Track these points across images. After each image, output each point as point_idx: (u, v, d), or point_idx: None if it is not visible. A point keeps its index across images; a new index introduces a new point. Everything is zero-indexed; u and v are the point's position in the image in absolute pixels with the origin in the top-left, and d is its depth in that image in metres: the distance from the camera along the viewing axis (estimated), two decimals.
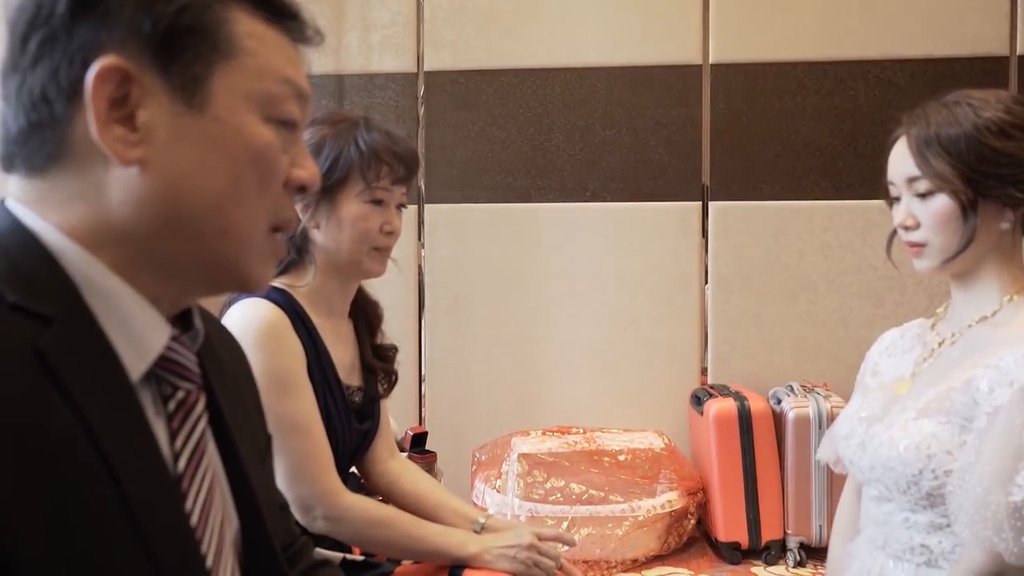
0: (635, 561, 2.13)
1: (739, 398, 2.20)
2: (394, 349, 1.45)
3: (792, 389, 2.27)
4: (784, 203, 2.45)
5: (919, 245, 1.16)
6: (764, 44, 2.43)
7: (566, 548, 1.40)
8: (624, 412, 2.49)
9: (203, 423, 0.67)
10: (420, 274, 2.55)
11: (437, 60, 2.51)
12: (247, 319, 1.20)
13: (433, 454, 1.96)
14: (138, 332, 0.61)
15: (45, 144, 0.60)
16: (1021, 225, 1.15)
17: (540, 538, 1.31)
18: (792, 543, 2.17)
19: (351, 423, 1.33)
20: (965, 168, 1.10)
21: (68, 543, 0.52)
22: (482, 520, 1.37)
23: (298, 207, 1.28)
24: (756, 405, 2.18)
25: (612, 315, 2.50)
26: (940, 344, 1.19)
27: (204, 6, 0.61)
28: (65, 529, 0.52)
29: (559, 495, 2.14)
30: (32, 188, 0.62)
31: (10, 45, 0.61)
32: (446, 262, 2.53)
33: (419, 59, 2.53)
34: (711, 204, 2.47)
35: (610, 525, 2.11)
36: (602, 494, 2.14)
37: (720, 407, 2.18)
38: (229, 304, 1.26)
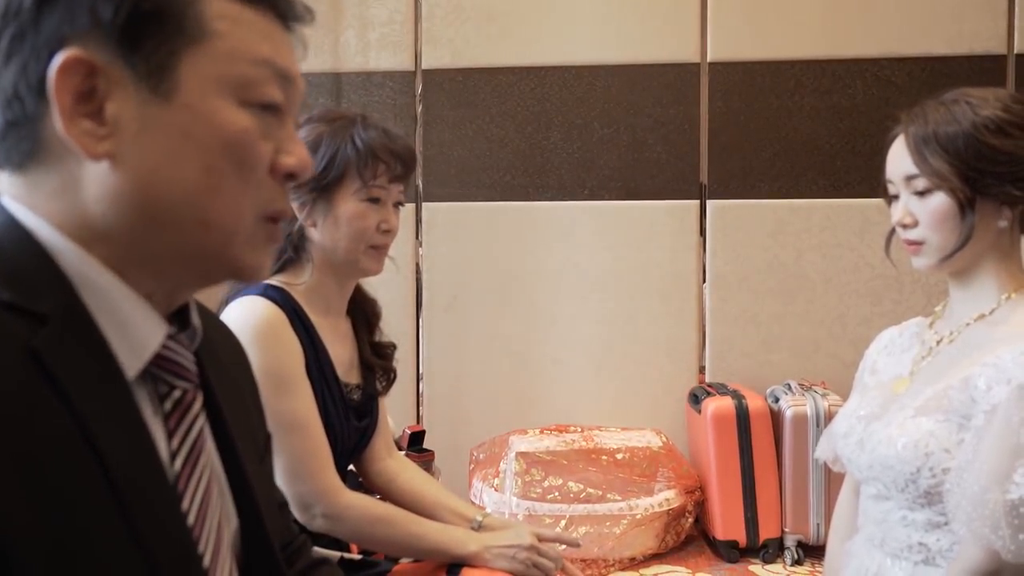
0: (633, 559, 2.14)
1: (737, 396, 2.21)
2: (392, 347, 1.44)
3: (790, 387, 2.27)
4: (782, 201, 2.45)
5: (917, 243, 1.16)
6: (762, 42, 2.43)
7: (564, 548, 1.40)
8: (622, 410, 2.49)
9: (200, 422, 0.66)
10: (418, 272, 2.55)
11: (435, 58, 2.51)
12: (245, 317, 1.20)
13: (431, 452, 1.96)
14: (134, 330, 0.60)
15: (22, 142, 0.59)
16: (1019, 223, 1.15)
17: (541, 538, 1.31)
18: (790, 541, 2.17)
19: (349, 421, 1.33)
20: (963, 166, 1.10)
21: (63, 543, 0.52)
22: (479, 519, 1.37)
23: (295, 205, 1.28)
24: (754, 403, 2.18)
25: (610, 314, 2.50)
26: (938, 342, 1.19)
27: None
28: (60, 529, 0.52)
29: (557, 493, 2.14)
30: (19, 184, 0.61)
31: None
32: (444, 260, 2.53)
33: (417, 57, 2.53)
34: (709, 202, 2.47)
35: (608, 524, 2.11)
36: (600, 492, 2.14)
37: (718, 406, 2.18)
38: (226, 302, 1.26)
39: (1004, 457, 0.99)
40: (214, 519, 0.65)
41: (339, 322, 1.37)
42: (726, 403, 2.18)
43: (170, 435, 0.63)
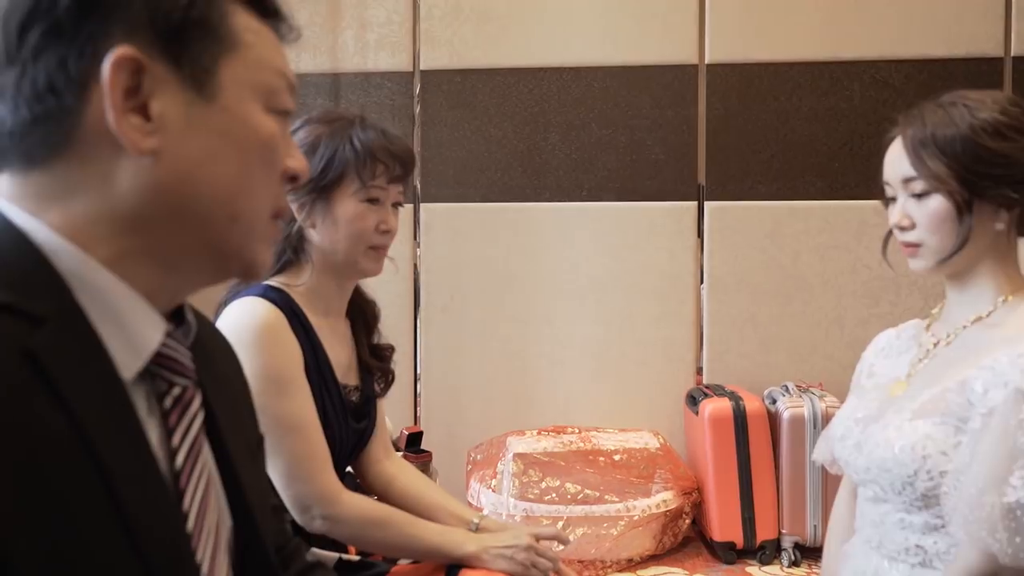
0: (630, 561, 2.14)
1: (734, 398, 2.21)
2: (391, 349, 1.44)
3: (787, 389, 2.27)
4: (779, 203, 2.45)
5: (914, 245, 1.17)
6: (760, 44, 2.43)
7: (561, 547, 1.40)
8: (619, 412, 2.49)
9: (199, 420, 0.66)
10: (416, 273, 2.55)
11: (433, 59, 2.51)
12: (244, 318, 1.20)
13: (428, 453, 1.96)
14: (133, 329, 0.61)
15: (50, 136, 0.60)
16: (1016, 226, 1.15)
17: (538, 538, 1.31)
18: (787, 543, 2.17)
19: (348, 422, 1.33)
20: (960, 169, 1.10)
21: (60, 546, 0.52)
22: (477, 521, 1.37)
23: (294, 206, 1.28)
24: (751, 405, 2.19)
25: (608, 315, 2.50)
26: (935, 345, 1.19)
27: (209, 1, 0.62)
28: (57, 532, 0.52)
29: (554, 495, 2.14)
30: (26, 184, 0.61)
31: (3, 39, 0.60)
32: (442, 261, 2.53)
33: (415, 58, 2.53)
34: (707, 204, 2.48)
35: (605, 525, 2.11)
36: (597, 494, 2.14)
37: (715, 407, 2.19)
38: (225, 303, 1.26)
39: (1001, 460, 1.00)
40: (212, 519, 0.65)
41: (338, 323, 1.37)
42: (723, 405, 2.18)
43: (170, 433, 0.63)
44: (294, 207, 1.27)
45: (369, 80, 2.53)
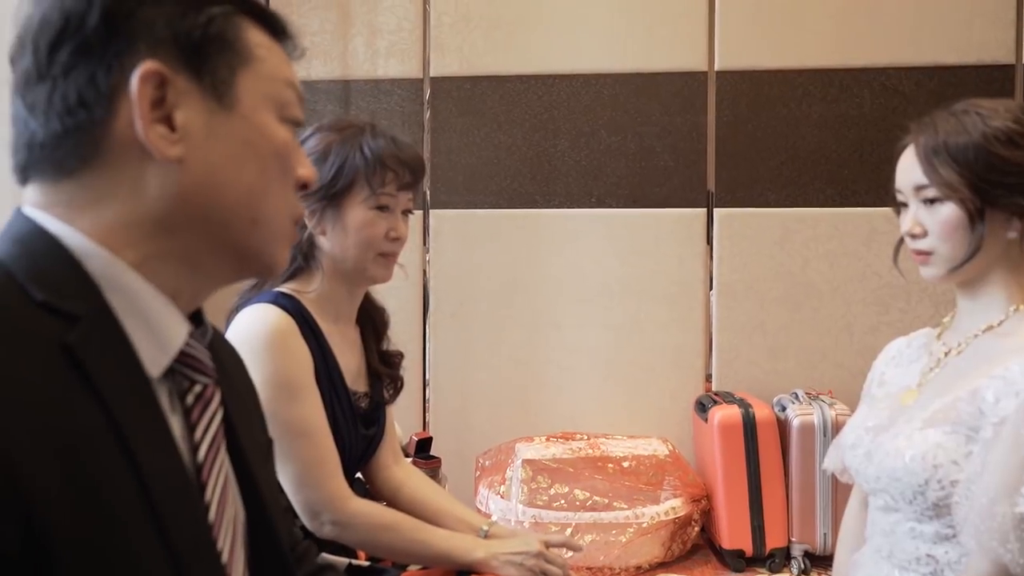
0: (639, 568, 2.13)
1: (743, 405, 2.20)
2: (400, 355, 1.45)
3: (797, 396, 2.27)
4: (789, 210, 2.45)
5: (926, 253, 1.16)
6: (769, 51, 2.43)
7: (571, 554, 1.40)
8: (628, 418, 2.48)
9: (219, 417, 0.69)
10: (425, 279, 2.55)
11: (443, 66, 2.52)
12: (255, 324, 1.21)
13: (437, 459, 1.96)
14: (159, 329, 0.64)
15: (80, 147, 0.63)
16: None
17: (548, 545, 1.31)
18: (796, 551, 2.16)
19: (357, 429, 1.34)
20: (973, 177, 1.10)
21: (94, 532, 0.55)
22: (486, 527, 1.37)
23: (304, 213, 1.28)
24: (760, 412, 2.18)
25: (616, 321, 2.50)
26: (946, 354, 1.19)
27: (225, 17, 0.66)
28: (92, 518, 0.55)
29: (563, 501, 2.14)
30: (57, 192, 0.64)
31: (33, 57, 0.64)
32: (451, 267, 2.54)
33: (425, 65, 2.54)
34: (716, 211, 2.47)
35: (614, 532, 2.11)
36: (606, 500, 2.14)
37: (724, 414, 2.18)
38: (237, 309, 1.27)
39: (1013, 470, 0.99)
40: (231, 512, 0.68)
41: (348, 330, 1.37)
42: (733, 412, 2.18)
43: (192, 428, 0.66)
44: (305, 214, 1.28)
45: (379, 87, 2.54)
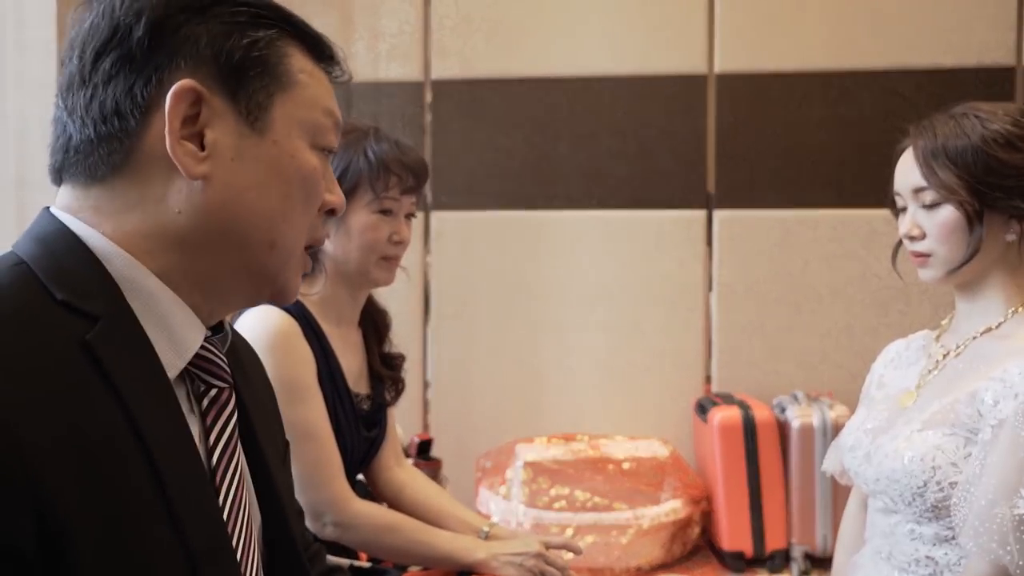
0: (639, 569, 2.14)
1: (743, 407, 2.21)
2: (402, 358, 1.46)
3: (796, 398, 2.27)
4: (789, 212, 2.45)
5: (924, 255, 1.17)
6: (769, 54, 2.44)
7: (572, 556, 1.40)
8: (628, 420, 2.49)
9: (234, 421, 0.70)
10: (426, 281, 2.56)
11: (444, 69, 2.53)
12: (259, 327, 1.22)
13: (438, 461, 1.97)
14: (176, 331, 0.65)
15: (112, 155, 0.64)
16: None
17: (547, 546, 1.32)
18: (796, 552, 2.17)
19: (359, 430, 1.34)
20: (971, 179, 1.11)
21: (111, 528, 0.55)
22: (487, 529, 1.38)
23: None
24: (760, 414, 2.18)
25: (617, 323, 2.50)
26: (945, 356, 1.20)
27: (269, 42, 0.67)
28: (109, 514, 0.55)
29: (564, 502, 2.15)
30: (86, 197, 0.65)
31: (78, 62, 0.65)
32: (452, 269, 2.54)
33: (426, 68, 2.54)
34: (716, 212, 2.48)
35: (614, 533, 2.11)
36: (607, 502, 2.15)
37: (724, 416, 2.18)
38: (240, 312, 1.27)
39: (1012, 472, 1.00)
40: (245, 515, 0.69)
41: (350, 332, 1.38)
42: (733, 413, 2.18)
43: (207, 432, 0.67)
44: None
45: (380, 90, 2.55)
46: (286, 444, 0.85)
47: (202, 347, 0.67)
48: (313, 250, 0.74)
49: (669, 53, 2.47)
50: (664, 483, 2.21)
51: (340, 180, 1.27)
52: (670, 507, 2.17)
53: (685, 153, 2.48)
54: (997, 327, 1.15)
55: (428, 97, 2.55)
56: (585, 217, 2.51)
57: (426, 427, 2.55)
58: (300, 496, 1.22)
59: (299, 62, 0.69)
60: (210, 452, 0.66)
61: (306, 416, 1.23)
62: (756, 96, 2.44)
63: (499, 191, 2.52)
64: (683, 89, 2.47)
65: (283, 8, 0.70)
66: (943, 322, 1.27)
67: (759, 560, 2.17)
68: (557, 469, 2.20)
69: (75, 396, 0.56)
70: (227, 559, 0.64)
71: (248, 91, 0.65)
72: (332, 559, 1.24)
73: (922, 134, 1.16)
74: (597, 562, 2.10)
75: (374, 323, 1.43)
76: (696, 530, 2.23)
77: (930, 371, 1.20)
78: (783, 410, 2.23)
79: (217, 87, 0.64)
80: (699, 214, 2.48)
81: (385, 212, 1.31)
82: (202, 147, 0.64)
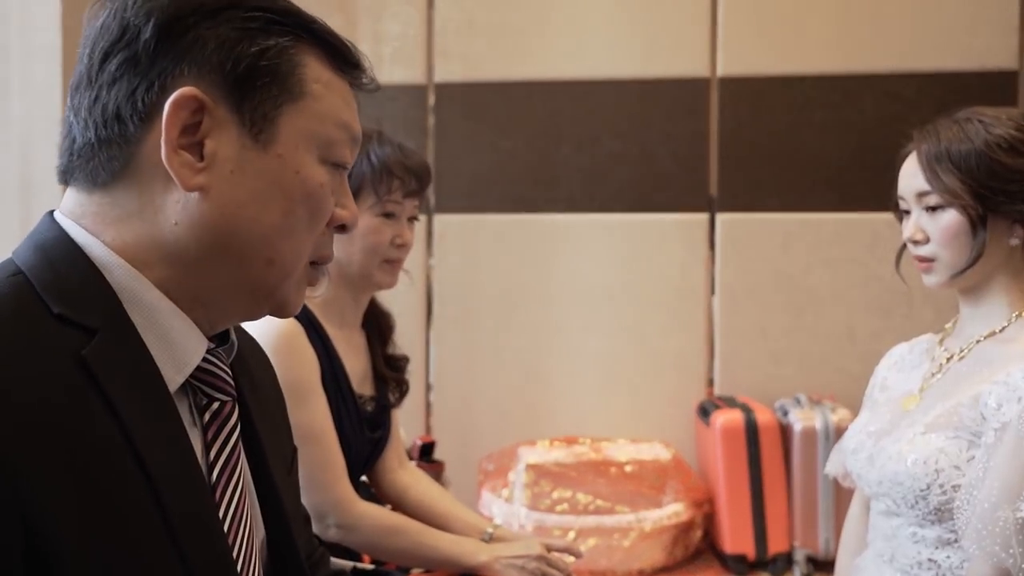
0: (641, 572, 2.14)
1: (746, 410, 2.21)
2: (405, 359, 1.46)
3: (799, 401, 2.27)
4: (791, 215, 2.45)
5: (928, 260, 1.17)
6: (772, 58, 2.44)
7: (573, 560, 1.41)
8: (631, 423, 2.49)
9: (236, 434, 0.68)
10: (428, 284, 2.56)
11: (447, 72, 2.53)
12: (263, 329, 1.21)
13: (441, 463, 1.97)
14: (177, 344, 0.63)
15: (112, 160, 0.62)
16: None
17: (549, 549, 1.32)
18: (799, 556, 2.17)
19: (363, 432, 1.35)
20: (975, 184, 1.11)
21: (106, 548, 0.54)
22: (490, 530, 1.38)
23: None
24: (763, 417, 2.19)
25: (619, 326, 2.50)
26: (948, 359, 1.20)
27: (281, 51, 0.63)
28: (105, 532, 0.54)
29: (566, 505, 2.15)
30: (89, 202, 0.64)
31: (87, 61, 0.63)
32: (454, 272, 2.55)
33: (429, 71, 2.55)
34: (718, 216, 2.48)
35: (616, 536, 2.11)
36: (609, 505, 2.15)
37: (727, 419, 2.19)
38: None
39: (1015, 475, 1.00)
40: (247, 529, 0.67)
41: (354, 334, 1.38)
42: (735, 416, 2.18)
43: (208, 447, 0.65)
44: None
45: (383, 93, 2.53)
46: (294, 451, 0.83)
47: (205, 359, 0.65)
48: (320, 265, 0.71)
49: (671, 57, 2.47)
50: (666, 486, 2.21)
51: None
52: (672, 510, 2.17)
53: (687, 156, 2.48)
54: (1001, 331, 1.15)
55: (431, 100, 2.55)
56: (587, 220, 2.51)
57: (428, 430, 2.55)
58: (304, 498, 1.22)
59: (315, 71, 0.65)
60: (211, 466, 0.64)
61: (310, 418, 1.23)
62: (758, 99, 2.45)
63: (502, 194, 2.53)
64: (686, 92, 2.47)
65: (304, 14, 0.66)
66: (947, 326, 1.27)
67: (761, 563, 2.17)
68: (559, 472, 2.20)
69: (69, 412, 0.54)
70: (227, 575, 0.63)
71: (254, 101, 0.62)
72: (336, 562, 1.24)
73: (926, 138, 1.16)
74: (599, 565, 2.10)
75: (377, 325, 1.44)
76: (698, 533, 2.23)
77: (933, 374, 1.21)
78: (785, 413, 2.23)
79: (221, 96, 0.62)
80: (701, 217, 2.48)
81: (388, 215, 1.31)
82: (201, 157, 0.62)
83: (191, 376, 0.64)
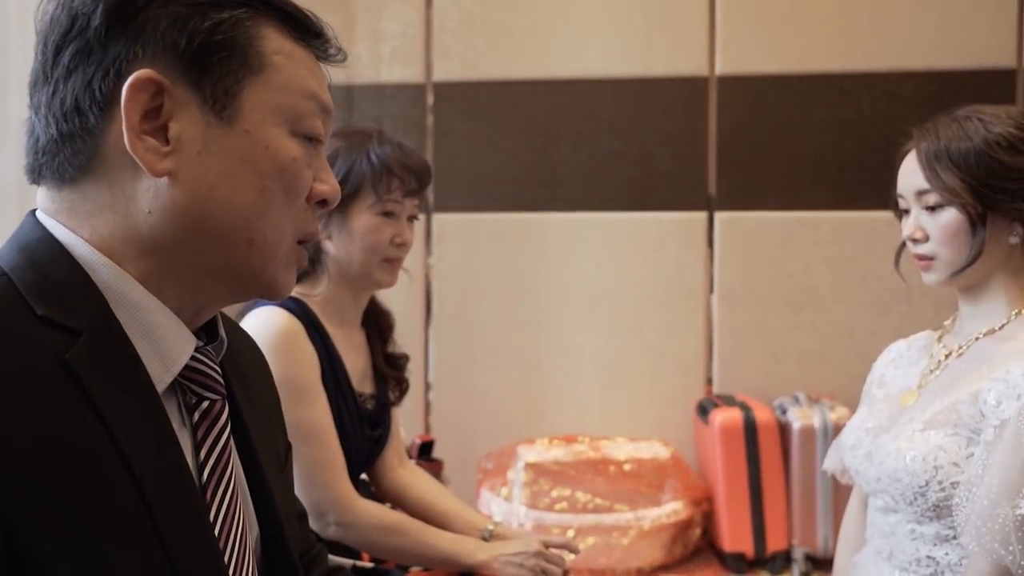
0: (640, 570, 2.14)
1: (744, 408, 2.21)
2: (405, 358, 1.46)
3: (797, 399, 2.28)
4: (790, 214, 2.46)
5: (928, 258, 1.18)
6: (770, 56, 2.44)
7: (571, 556, 1.41)
8: (630, 421, 2.49)
9: (227, 433, 0.67)
10: (427, 283, 2.56)
11: (446, 71, 2.53)
12: (263, 327, 1.22)
13: (440, 462, 1.97)
14: (164, 344, 0.62)
15: (77, 155, 0.61)
16: None
17: (547, 546, 1.33)
18: (797, 554, 2.17)
19: (363, 430, 1.35)
20: (974, 182, 1.11)
21: (92, 551, 0.53)
22: (490, 528, 1.38)
23: None
24: (761, 415, 2.19)
25: (618, 324, 2.51)
26: (947, 356, 1.20)
27: (236, 23, 0.61)
28: (90, 537, 0.53)
29: (565, 504, 2.15)
30: (61, 199, 0.62)
31: (41, 56, 0.61)
32: (453, 271, 2.55)
33: (428, 70, 2.55)
34: (717, 214, 2.49)
35: (615, 534, 2.12)
36: (608, 503, 2.15)
37: (725, 417, 2.19)
38: (245, 312, 1.28)
39: (1014, 472, 1.00)
40: (239, 529, 0.66)
41: (354, 333, 1.38)
42: (734, 415, 2.19)
43: (198, 446, 0.64)
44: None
45: (383, 92, 2.55)
46: (288, 448, 0.83)
47: (193, 357, 0.64)
48: (308, 244, 0.69)
49: (670, 55, 2.47)
50: (665, 484, 2.22)
51: (343, 183, 1.28)
52: (671, 508, 2.18)
53: (686, 155, 2.48)
54: (1000, 328, 1.16)
55: (430, 99, 2.55)
56: (586, 219, 2.51)
57: (427, 428, 2.55)
58: (303, 496, 1.23)
59: (275, 43, 0.63)
60: (201, 466, 0.63)
61: (310, 416, 1.23)
62: (757, 98, 2.45)
63: (500, 193, 2.53)
64: (684, 91, 2.47)
65: None
66: (945, 323, 1.28)
67: (760, 561, 2.17)
68: (558, 470, 2.20)
69: (52, 416, 0.53)
70: (218, 575, 0.61)
71: (213, 78, 0.60)
72: (334, 559, 1.24)
73: (925, 137, 1.16)
74: (598, 563, 2.10)
75: (377, 324, 1.44)
76: (697, 531, 2.24)
77: (932, 371, 1.21)
78: (784, 411, 2.23)
79: (179, 75, 0.60)
80: (700, 216, 2.49)
81: (387, 214, 1.31)
82: (167, 141, 0.60)
83: (180, 375, 0.63)
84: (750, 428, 2.17)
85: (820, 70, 2.43)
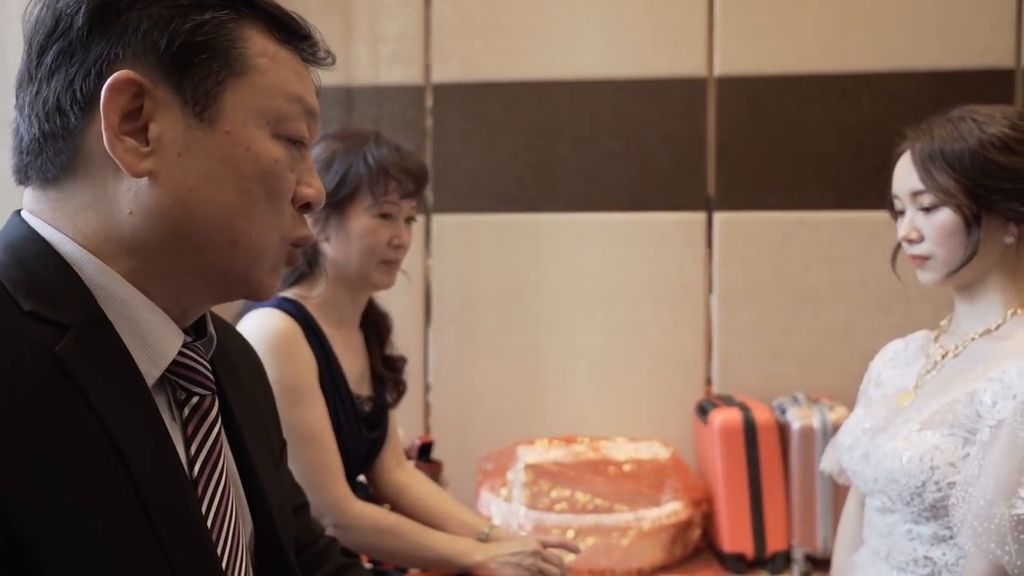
0: (640, 571, 2.14)
1: (744, 409, 2.21)
2: (403, 360, 1.46)
3: (797, 400, 2.28)
4: (789, 214, 2.46)
5: (923, 258, 1.18)
6: (769, 57, 2.45)
7: (571, 556, 1.41)
8: (629, 422, 2.49)
9: (217, 428, 0.68)
10: (426, 284, 2.57)
11: (445, 72, 2.53)
12: (260, 329, 1.22)
13: (439, 463, 1.97)
14: (152, 338, 0.62)
15: (59, 155, 0.61)
16: None
17: (545, 545, 1.33)
18: (797, 554, 2.17)
19: (361, 432, 1.35)
20: (969, 183, 1.11)
21: (86, 544, 0.53)
22: (487, 530, 1.38)
23: (308, 221, 1.30)
24: (761, 416, 2.19)
25: (618, 325, 2.51)
26: (943, 356, 1.20)
27: (218, 24, 0.61)
28: (84, 530, 0.53)
29: (565, 504, 2.15)
30: (46, 199, 0.63)
31: (27, 57, 0.62)
32: (453, 272, 2.55)
33: (427, 71, 2.55)
34: (716, 215, 2.49)
35: (615, 535, 2.12)
36: (607, 504, 2.15)
37: (725, 418, 2.19)
38: (242, 314, 1.28)
39: (1010, 472, 1.00)
40: (232, 523, 0.67)
41: (351, 334, 1.39)
42: (733, 415, 2.19)
43: (188, 441, 0.65)
44: (308, 222, 1.29)
45: (382, 93, 2.56)
46: (283, 444, 0.83)
47: (182, 353, 0.64)
48: (303, 248, 0.69)
49: (669, 56, 2.48)
50: (665, 485, 2.22)
51: (340, 184, 1.29)
52: (671, 509, 2.18)
53: (685, 156, 2.49)
54: (996, 328, 1.16)
55: (429, 101, 2.56)
56: (585, 220, 2.51)
57: (427, 429, 2.56)
58: None
59: (259, 45, 0.63)
60: (193, 460, 0.64)
61: (308, 418, 1.23)
62: (756, 99, 2.45)
63: (500, 194, 2.53)
64: (683, 92, 2.47)
65: None
66: (942, 323, 1.28)
67: (760, 562, 2.17)
68: (558, 471, 2.20)
69: (44, 409, 0.54)
70: (212, 569, 0.62)
71: (194, 79, 0.60)
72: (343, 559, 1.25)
73: (920, 137, 1.17)
74: (598, 564, 2.10)
75: (375, 326, 1.44)
76: (697, 532, 2.24)
77: (928, 371, 1.21)
78: (783, 412, 2.23)
79: (160, 76, 0.60)
80: (699, 216, 2.49)
81: (385, 216, 1.31)
82: (147, 142, 0.60)
83: (169, 371, 0.64)
84: (750, 428, 2.17)
85: (819, 71, 2.43)
